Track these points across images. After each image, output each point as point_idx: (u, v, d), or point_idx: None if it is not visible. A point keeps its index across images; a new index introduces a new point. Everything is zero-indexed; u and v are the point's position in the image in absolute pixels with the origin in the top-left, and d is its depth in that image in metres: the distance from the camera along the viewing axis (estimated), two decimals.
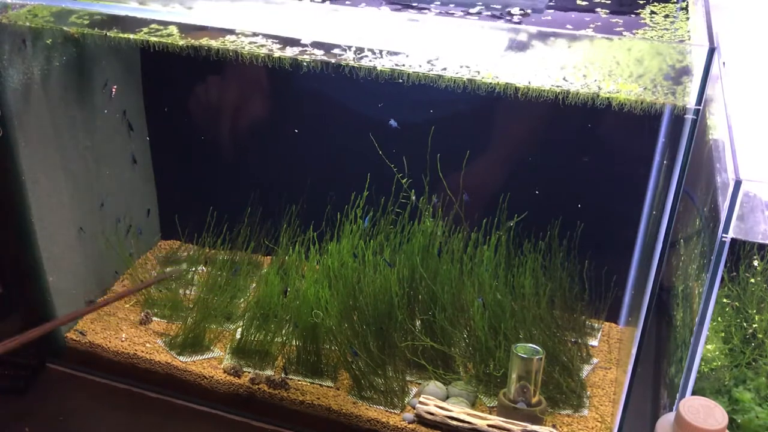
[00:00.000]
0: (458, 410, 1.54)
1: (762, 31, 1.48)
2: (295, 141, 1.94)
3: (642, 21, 1.31)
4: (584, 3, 1.41)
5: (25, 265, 1.75)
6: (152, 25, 1.44)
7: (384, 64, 1.31)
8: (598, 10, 1.37)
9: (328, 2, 1.38)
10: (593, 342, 1.84)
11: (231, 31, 1.39)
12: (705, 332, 1.19)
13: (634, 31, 1.25)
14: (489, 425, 1.49)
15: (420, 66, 1.29)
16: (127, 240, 2.03)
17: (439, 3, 1.40)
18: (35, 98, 1.67)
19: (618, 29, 1.26)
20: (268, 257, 2.03)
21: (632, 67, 1.17)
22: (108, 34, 1.47)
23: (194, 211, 2.02)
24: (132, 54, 1.95)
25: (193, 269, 2.04)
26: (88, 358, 1.82)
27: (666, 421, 1.17)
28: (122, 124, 1.97)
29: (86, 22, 1.50)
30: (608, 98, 1.22)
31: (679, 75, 1.15)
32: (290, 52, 1.35)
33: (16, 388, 1.74)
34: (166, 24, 1.43)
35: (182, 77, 1.96)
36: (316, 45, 1.34)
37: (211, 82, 1.95)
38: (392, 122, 1.61)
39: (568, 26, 1.29)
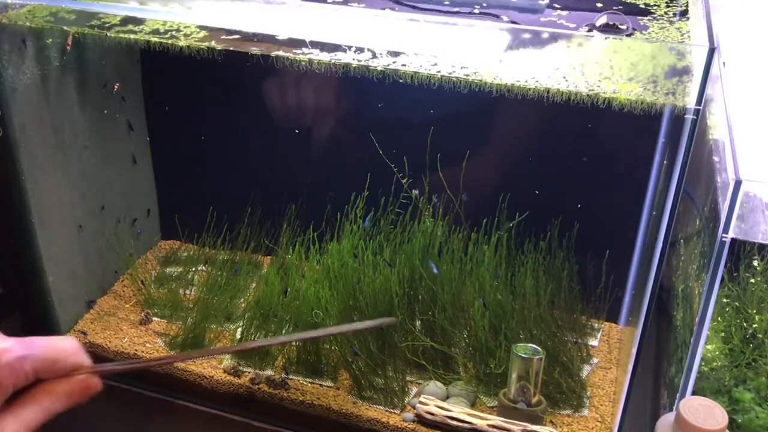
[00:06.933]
0: (458, 410, 1.54)
1: (762, 31, 1.48)
2: (295, 141, 1.94)
3: (642, 22, 1.31)
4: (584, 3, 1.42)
5: (25, 265, 1.75)
6: (99, 15, 1.46)
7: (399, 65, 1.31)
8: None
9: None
10: (593, 342, 1.84)
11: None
12: (705, 332, 1.18)
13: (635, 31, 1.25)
14: (489, 425, 1.49)
15: (425, 66, 1.29)
16: (127, 239, 2.03)
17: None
18: (35, 98, 1.67)
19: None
20: (268, 257, 2.03)
21: (632, 68, 1.17)
22: (108, 34, 1.47)
23: (194, 211, 2.02)
24: (132, 53, 1.95)
25: (193, 269, 2.04)
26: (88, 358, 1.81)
27: (666, 421, 1.17)
28: (122, 124, 1.97)
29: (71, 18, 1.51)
30: (608, 98, 1.22)
31: (679, 75, 1.15)
32: (292, 52, 1.36)
33: None
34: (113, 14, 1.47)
35: (182, 77, 1.96)
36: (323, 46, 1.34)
37: (210, 81, 1.94)
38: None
39: (571, 26, 1.29)
